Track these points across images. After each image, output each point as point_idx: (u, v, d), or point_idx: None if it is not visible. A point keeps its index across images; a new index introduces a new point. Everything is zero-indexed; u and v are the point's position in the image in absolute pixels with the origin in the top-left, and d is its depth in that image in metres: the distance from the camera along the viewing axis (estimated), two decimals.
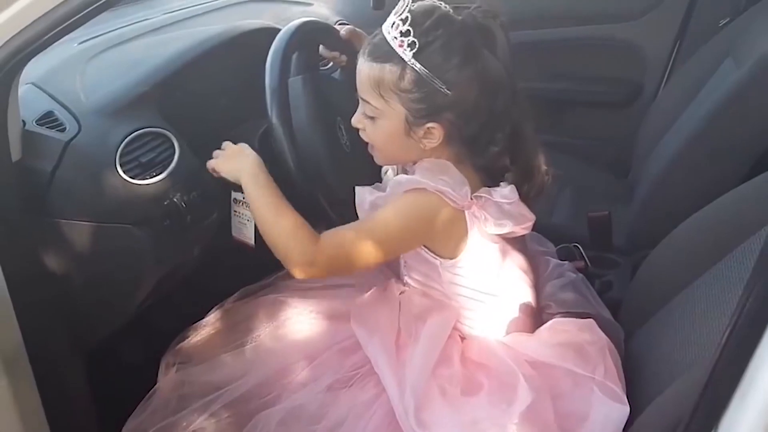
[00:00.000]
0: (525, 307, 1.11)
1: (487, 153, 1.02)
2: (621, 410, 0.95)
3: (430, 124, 0.99)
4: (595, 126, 2.22)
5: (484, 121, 0.99)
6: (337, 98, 1.25)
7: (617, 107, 2.19)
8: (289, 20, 1.22)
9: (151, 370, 1.16)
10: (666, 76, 2.11)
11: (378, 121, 1.02)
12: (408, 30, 0.93)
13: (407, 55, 0.94)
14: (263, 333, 1.14)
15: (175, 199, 1.03)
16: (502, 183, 1.04)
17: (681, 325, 1.05)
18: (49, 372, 1.03)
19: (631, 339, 1.21)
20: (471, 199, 1.00)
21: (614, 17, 2.14)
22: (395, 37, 0.95)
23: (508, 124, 1.01)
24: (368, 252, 0.98)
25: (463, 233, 1.01)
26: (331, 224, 1.10)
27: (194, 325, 1.22)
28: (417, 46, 0.94)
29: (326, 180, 1.13)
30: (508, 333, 1.08)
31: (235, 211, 1.15)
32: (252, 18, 1.41)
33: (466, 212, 1.00)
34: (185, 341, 1.20)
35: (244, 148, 1.08)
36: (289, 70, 1.15)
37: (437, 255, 1.04)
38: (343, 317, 1.13)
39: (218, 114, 1.22)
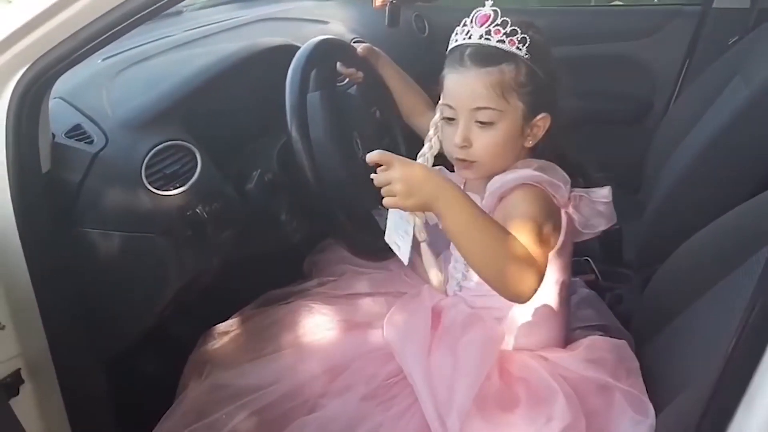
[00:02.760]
0: (563, 320, 1.13)
1: (557, 149, 1.08)
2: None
3: (542, 115, 1.04)
4: (605, 143, 2.23)
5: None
6: (353, 113, 1.29)
7: (627, 124, 2.22)
8: (306, 37, 1.26)
9: (171, 378, 1.19)
10: (675, 93, 2.13)
11: (496, 125, 1.02)
12: (514, 29, 0.99)
13: (522, 51, 1.00)
14: (293, 339, 1.16)
15: (197, 210, 1.06)
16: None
17: (690, 338, 1.07)
18: (73, 379, 1.06)
19: (641, 351, 1.21)
20: (569, 197, 1.04)
21: (624, 35, 2.19)
22: (501, 40, 0.99)
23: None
24: (539, 251, 0.92)
25: (556, 232, 1.03)
26: (344, 237, 1.13)
27: (217, 327, 1.25)
28: (528, 42, 0.99)
29: (344, 193, 1.16)
30: (544, 346, 1.10)
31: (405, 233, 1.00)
32: (271, 35, 1.45)
33: (563, 211, 1.04)
34: (210, 344, 1.22)
35: (411, 166, 0.88)
36: (307, 86, 1.19)
37: None
38: (374, 325, 1.15)
39: (239, 128, 1.26)
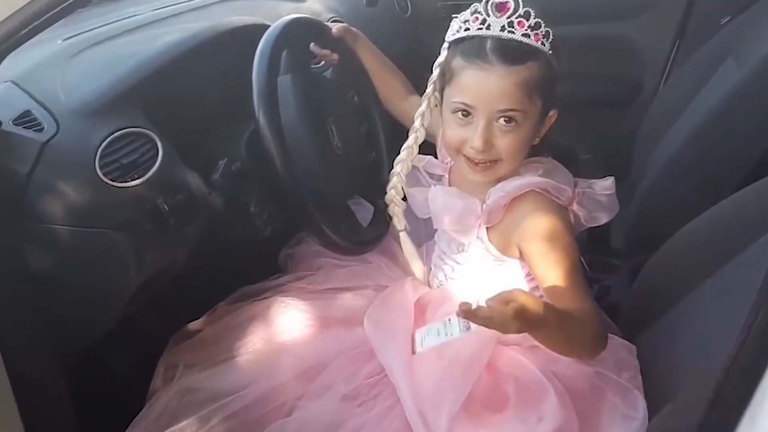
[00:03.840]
0: None
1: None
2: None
3: (552, 111, 1.00)
4: (593, 125, 2.18)
5: None
6: (328, 98, 1.21)
7: (616, 107, 2.16)
8: (280, 17, 1.18)
9: (140, 380, 1.12)
10: (665, 75, 2.08)
11: (520, 126, 0.96)
12: (538, 22, 0.92)
13: (546, 45, 0.94)
14: (269, 338, 1.11)
15: (157, 203, 0.98)
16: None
17: (685, 332, 1.02)
18: (26, 376, 0.98)
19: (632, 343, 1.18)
20: (574, 194, 1.01)
21: (613, 15, 2.11)
22: (526, 34, 0.92)
23: None
24: (579, 269, 0.97)
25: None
26: (318, 231, 1.07)
27: (189, 325, 1.19)
28: (551, 36, 0.94)
29: (316, 184, 1.09)
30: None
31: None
32: (242, 15, 1.36)
33: (568, 209, 1.01)
34: (182, 344, 1.16)
35: (533, 319, 0.82)
36: (278, 69, 1.11)
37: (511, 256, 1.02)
38: (355, 321, 1.09)
39: (204, 113, 1.18)
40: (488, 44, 0.92)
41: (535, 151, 1.03)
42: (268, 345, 1.09)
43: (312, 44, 1.24)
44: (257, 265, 1.30)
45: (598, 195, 1.02)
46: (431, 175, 1.15)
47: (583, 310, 0.91)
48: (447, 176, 1.14)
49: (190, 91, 1.16)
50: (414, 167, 1.14)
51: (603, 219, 1.03)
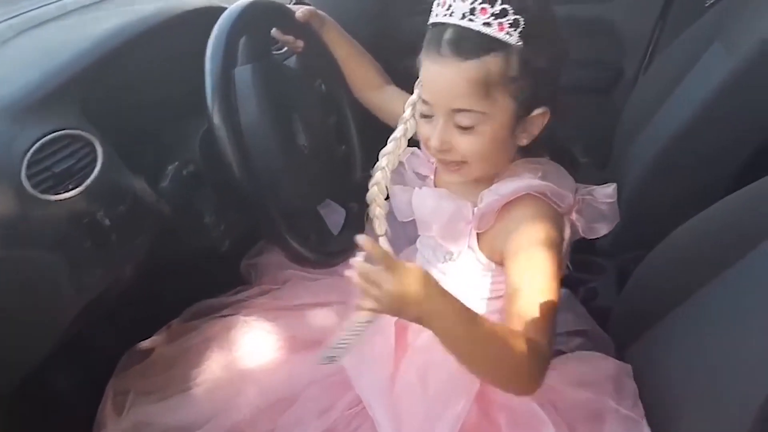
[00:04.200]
0: None
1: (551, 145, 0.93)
2: None
3: (539, 110, 0.86)
4: (571, 112, 2.10)
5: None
6: (293, 91, 1.09)
7: (595, 92, 2.06)
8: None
9: (86, 409, 1.01)
10: (647, 59, 1.99)
11: (479, 128, 0.85)
12: (504, 9, 0.79)
13: (513, 36, 0.80)
14: (230, 364, 1.00)
15: (97, 217, 0.85)
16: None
17: (683, 340, 0.95)
18: None
19: (622, 353, 1.09)
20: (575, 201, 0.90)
21: None
22: (487, 23, 0.80)
23: None
24: (555, 293, 0.82)
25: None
26: (283, 243, 0.94)
27: (140, 345, 1.08)
28: (521, 24, 0.80)
29: (280, 188, 0.97)
30: None
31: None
32: None
33: (566, 218, 0.90)
34: (133, 367, 1.05)
35: (410, 282, 0.72)
36: (235, 58, 0.99)
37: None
38: (327, 343, 0.97)
39: (152, 111, 1.04)
40: (446, 34, 0.82)
41: (533, 150, 0.92)
42: (229, 373, 0.98)
43: (274, 30, 1.10)
44: (216, 276, 1.18)
45: (598, 203, 0.91)
46: (416, 175, 1.04)
47: (532, 343, 0.76)
48: (432, 177, 1.03)
49: (135, 85, 1.02)
50: (399, 163, 1.04)
51: (602, 230, 0.93)
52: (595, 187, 0.92)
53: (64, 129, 0.87)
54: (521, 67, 0.82)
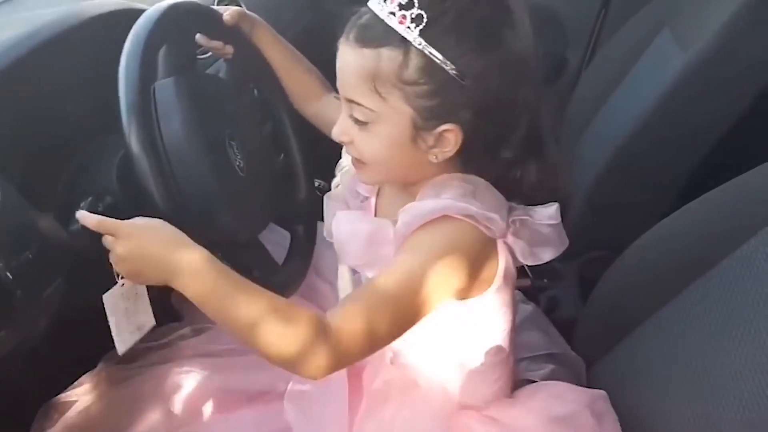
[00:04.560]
0: (507, 362, 0.89)
1: (504, 162, 0.79)
2: None
3: (445, 126, 0.75)
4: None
5: (506, 121, 0.76)
6: (223, 105, 0.96)
7: (540, 83, 2.01)
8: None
9: None
10: (591, 48, 1.94)
11: (372, 127, 0.76)
12: (411, 1, 0.70)
13: (412, 33, 0.71)
14: (165, 424, 0.88)
15: None
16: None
17: (655, 354, 0.90)
18: None
19: (590, 371, 1.04)
20: (508, 223, 0.78)
21: None
22: (392, 12, 0.71)
23: (525, 122, 0.78)
24: (397, 318, 0.72)
25: (492, 270, 0.79)
26: None
27: (61, 397, 0.95)
28: (424, 20, 0.70)
29: (215, 220, 0.85)
30: (490, 400, 0.87)
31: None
32: None
33: (499, 242, 0.78)
34: (53, 424, 0.92)
35: (139, 239, 0.72)
36: (155, 71, 0.85)
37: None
38: (275, 398, 0.87)
39: (59, 136, 0.90)
40: (361, 19, 0.75)
41: (471, 164, 0.82)
42: None
43: (198, 35, 0.97)
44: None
45: (538, 225, 0.80)
46: (358, 195, 0.94)
47: (319, 322, 0.69)
48: (374, 199, 0.93)
49: (40, 103, 0.87)
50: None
51: (546, 255, 0.82)
52: (535, 207, 0.81)
53: None
54: (422, 71, 0.72)
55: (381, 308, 0.71)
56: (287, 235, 1.06)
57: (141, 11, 0.89)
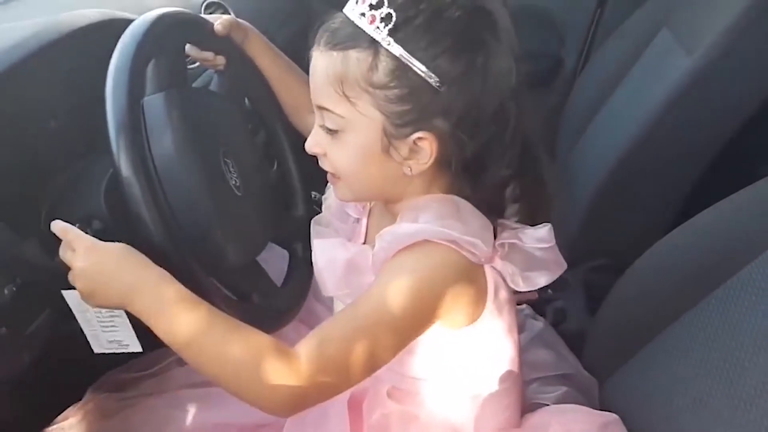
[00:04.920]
0: (515, 388, 0.84)
1: (491, 180, 0.75)
2: None
3: (418, 134, 0.70)
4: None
5: (489, 134, 0.72)
6: (217, 120, 0.91)
7: (533, 87, 1.97)
8: (141, 6, 0.87)
9: None
10: (586, 49, 1.91)
11: (343, 135, 0.73)
12: (381, 0, 0.67)
13: (381, 32, 0.67)
14: None
15: None
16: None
17: (669, 373, 0.86)
18: None
19: (601, 388, 1.00)
20: (494, 247, 0.73)
21: None
22: (362, 13, 0.68)
23: (519, 137, 0.73)
24: (372, 350, 0.68)
25: (481, 296, 0.74)
26: (224, 304, 0.77)
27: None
28: (393, 19, 0.67)
29: (212, 242, 0.80)
30: (497, 428, 0.82)
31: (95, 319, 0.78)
32: (86, 5, 1.00)
33: (486, 267, 0.73)
34: None
35: (97, 256, 0.70)
36: (142, 87, 0.80)
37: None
38: (271, 427, 0.83)
39: (41, 153, 0.84)
40: (333, 23, 0.72)
41: (455, 182, 0.77)
42: None
43: (188, 46, 0.92)
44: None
45: (530, 248, 0.75)
46: (348, 216, 0.90)
47: (285, 354, 0.66)
48: (365, 221, 0.88)
49: (18, 124, 0.82)
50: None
51: (541, 280, 0.76)
52: (525, 228, 0.77)
53: None
54: (391, 74, 0.69)
55: (355, 338, 0.67)
56: (282, 253, 1.01)
57: (125, 21, 0.84)
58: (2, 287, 0.70)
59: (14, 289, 0.71)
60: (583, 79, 1.81)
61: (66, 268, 0.71)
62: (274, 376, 0.65)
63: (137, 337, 0.77)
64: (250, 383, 0.66)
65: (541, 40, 1.92)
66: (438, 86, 0.68)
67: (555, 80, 1.92)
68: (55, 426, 0.91)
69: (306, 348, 0.67)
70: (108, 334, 0.76)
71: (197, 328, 0.66)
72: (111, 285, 0.69)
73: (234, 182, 0.86)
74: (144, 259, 0.70)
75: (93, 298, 0.70)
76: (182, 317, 0.66)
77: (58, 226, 0.71)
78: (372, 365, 0.69)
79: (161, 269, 0.69)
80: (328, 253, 0.78)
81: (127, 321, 0.75)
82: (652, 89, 1.33)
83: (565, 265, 0.78)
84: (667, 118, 1.26)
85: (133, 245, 0.72)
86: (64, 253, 0.70)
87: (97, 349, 0.78)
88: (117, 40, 0.79)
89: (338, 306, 0.86)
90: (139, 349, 0.77)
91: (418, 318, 0.70)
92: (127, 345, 0.77)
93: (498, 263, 0.75)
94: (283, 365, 0.65)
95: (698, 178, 1.30)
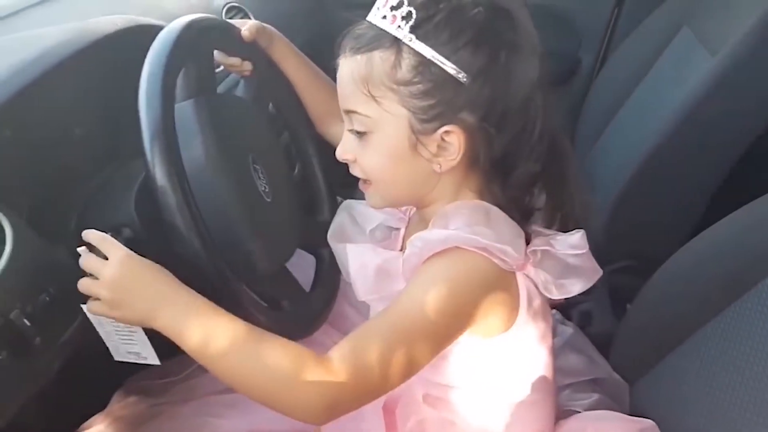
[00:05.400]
0: (549, 396, 0.83)
1: (520, 177, 0.75)
2: None
3: (445, 128, 0.71)
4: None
5: (516, 129, 0.72)
6: (245, 126, 0.91)
7: (552, 84, 1.96)
8: (165, 11, 0.86)
9: None
10: (604, 49, 1.89)
11: (372, 137, 0.74)
12: (401, 1, 0.68)
13: (402, 30, 0.69)
14: None
15: (12, 317, 0.66)
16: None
17: (701, 377, 0.85)
18: None
19: (632, 391, 0.99)
20: (526, 254, 0.73)
21: None
22: (384, 16, 0.69)
23: (546, 132, 0.73)
24: (408, 356, 0.67)
25: (514, 304, 0.73)
26: (252, 319, 0.76)
27: None
28: (414, 17, 0.69)
29: (242, 249, 0.79)
30: None
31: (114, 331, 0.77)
32: (109, 11, 0.99)
33: (519, 274, 0.73)
34: None
35: (129, 269, 0.69)
36: (173, 94, 0.80)
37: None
38: None
39: (70, 160, 0.84)
40: (357, 30, 0.75)
41: (486, 187, 0.77)
42: None
43: (216, 52, 0.91)
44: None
45: (561, 255, 0.74)
46: (388, 228, 0.90)
47: (316, 363, 0.65)
48: (403, 230, 0.88)
49: (46, 132, 0.81)
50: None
51: (575, 288, 0.76)
52: (558, 235, 0.76)
53: None
54: (414, 69, 0.70)
55: (391, 344, 0.66)
56: (308, 257, 1.00)
57: (153, 27, 0.84)
58: (36, 296, 0.69)
59: (47, 298, 0.70)
60: (600, 79, 1.79)
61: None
62: (313, 384, 0.64)
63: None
64: (288, 392, 0.65)
65: (558, 40, 1.90)
66: (461, 79, 0.69)
67: (572, 81, 1.90)
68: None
69: (341, 354, 0.66)
70: (127, 346, 0.76)
71: (233, 341, 0.65)
72: (142, 295, 0.68)
73: (263, 188, 0.86)
74: (175, 278, 0.70)
75: (119, 309, 0.69)
76: (218, 330, 0.66)
77: (93, 235, 0.70)
78: (407, 371, 0.68)
79: (184, 290, 0.69)
80: (360, 258, 0.78)
81: (145, 337, 0.74)
82: (673, 90, 1.32)
83: (600, 272, 0.77)
84: (691, 118, 1.24)
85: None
86: (90, 262, 0.70)
87: (117, 357, 0.78)
88: (143, 47, 0.78)
89: (374, 311, 0.86)
90: (157, 362, 0.77)
91: (453, 324, 0.70)
92: (146, 357, 0.76)
93: (530, 271, 0.75)
94: (322, 373, 0.65)
95: (723, 178, 1.28)
